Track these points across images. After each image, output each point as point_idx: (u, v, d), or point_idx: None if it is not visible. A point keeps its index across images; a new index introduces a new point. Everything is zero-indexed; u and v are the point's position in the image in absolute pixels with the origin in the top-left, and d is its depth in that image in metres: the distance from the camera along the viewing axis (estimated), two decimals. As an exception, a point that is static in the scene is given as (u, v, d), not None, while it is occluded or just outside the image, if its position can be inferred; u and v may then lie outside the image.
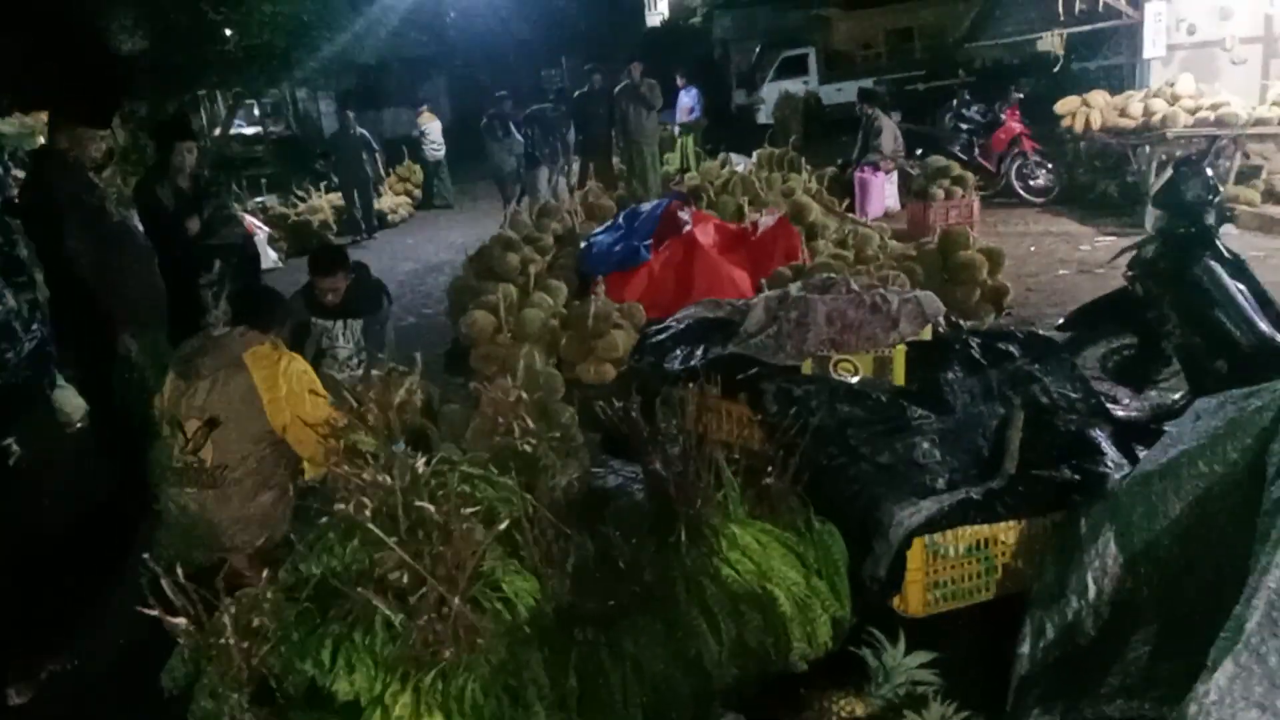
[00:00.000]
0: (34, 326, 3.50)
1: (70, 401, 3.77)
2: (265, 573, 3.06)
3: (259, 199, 14.45)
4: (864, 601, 2.95)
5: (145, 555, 2.21)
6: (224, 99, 20.21)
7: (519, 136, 10.98)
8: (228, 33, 15.68)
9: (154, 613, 1.99)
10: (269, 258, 10.97)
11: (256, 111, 26.49)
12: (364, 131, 13.48)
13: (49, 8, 12.76)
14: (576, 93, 11.91)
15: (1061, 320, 4.43)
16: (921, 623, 2.95)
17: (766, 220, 7.11)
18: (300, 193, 14.02)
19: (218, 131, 19.13)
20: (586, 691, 2.45)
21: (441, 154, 15.63)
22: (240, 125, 23.85)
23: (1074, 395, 3.45)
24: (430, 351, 6.64)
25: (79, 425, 3.76)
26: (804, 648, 2.71)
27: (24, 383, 3.45)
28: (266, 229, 11.71)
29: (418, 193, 16.48)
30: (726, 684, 2.55)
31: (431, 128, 15.59)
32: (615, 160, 11.60)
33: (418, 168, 17.27)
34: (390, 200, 14.73)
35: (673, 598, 2.61)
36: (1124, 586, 2.48)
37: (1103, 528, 2.58)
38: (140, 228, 4.46)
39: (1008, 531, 2.98)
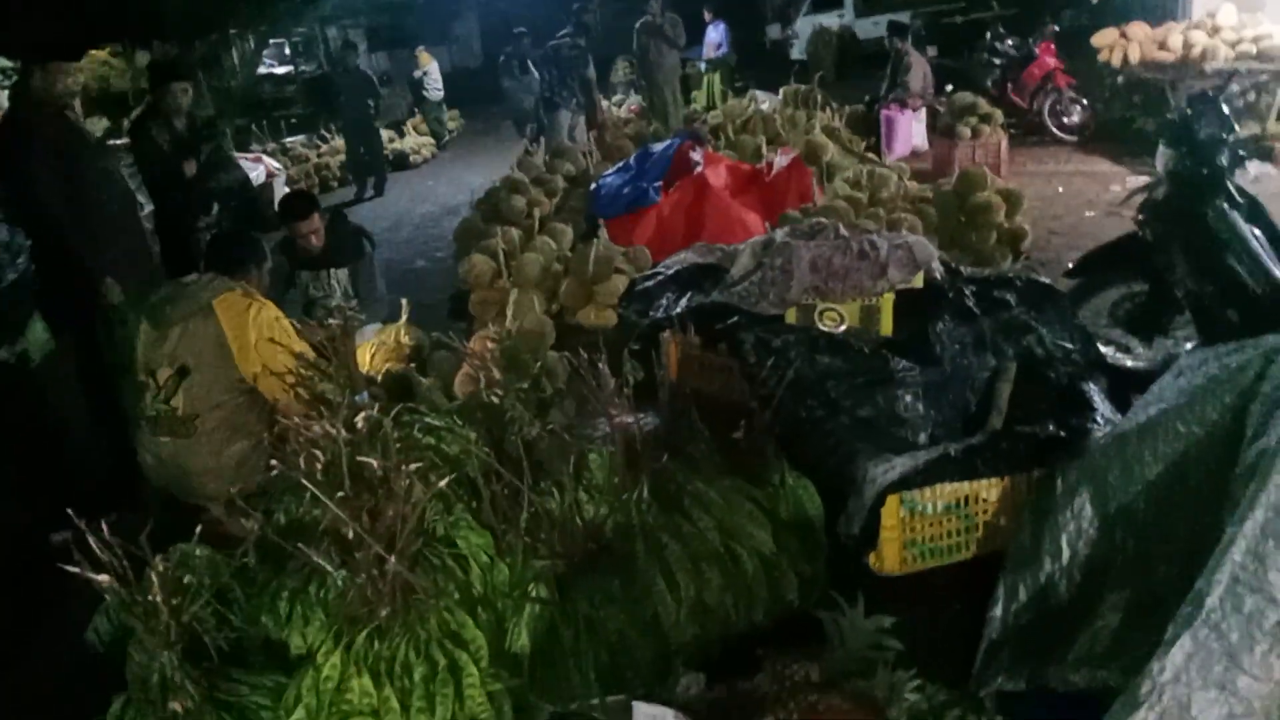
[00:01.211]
0: (18, 261, 3.63)
1: (37, 338, 3.77)
2: (240, 524, 3.08)
3: (287, 139, 14.38)
4: (840, 560, 2.87)
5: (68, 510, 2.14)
6: (254, 39, 20.08)
7: (536, 75, 10.71)
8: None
9: (76, 570, 1.94)
10: (285, 199, 10.95)
11: (288, 51, 26.29)
12: (368, 70, 12.68)
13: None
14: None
15: (1070, 266, 4.23)
16: (897, 581, 2.88)
17: (781, 160, 6.90)
18: (325, 133, 13.93)
19: (247, 71, 19.03)
20: (539, 652, 2.40)
21: (440, 95, 15.67)
22: (272, 65, 23.71)
23: (1071, 346, 3.31)
24: (436, 296, 6.61)
25: (36, 362, 3.77)
26: (768, 607, 2.64)
27: (3, 313, 3.60)
28: (286, 170, 11.67)
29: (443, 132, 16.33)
30: (685, 644, 2.49)
31: (431, 68, 15.65)
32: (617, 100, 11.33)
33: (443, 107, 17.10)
34: (413, 140, 14.60)
35: (631, 555, 2.55)
36: (1098, 550, 2.37)
37: (1079, 488, 2.46)
38: (119, 169, 4.37)
39: (989, 489, 2.86)
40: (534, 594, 2.44)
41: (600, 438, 4.02)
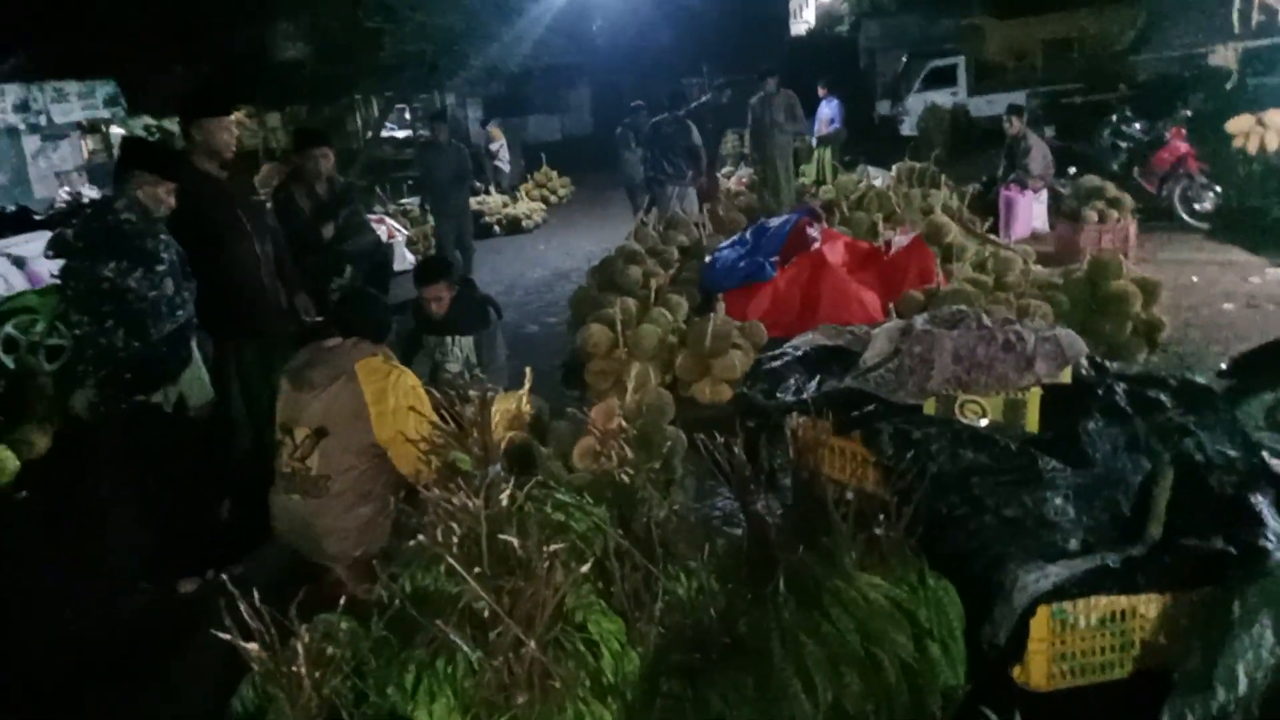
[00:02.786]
0: (178, 312, 3.83)
1: (195, 385, 3.92)
2: (364, 587, 3.08)
3: (403, 201, 14.91)
4: (981, 670, 2.72)
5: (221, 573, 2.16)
6: (377, 104, 21.03)
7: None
8: (383, 40, 16.32)
9: (227, 638, 1.95)
10: (406, 260, 11.28)
11: (408, 115, 27.45)
12: (461, 145, 10.74)
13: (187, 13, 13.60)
14: (692, 105, 11.67)
15: (1224, 364, 4.01)
16: (1045, 698, 2.70)
17: (900, 239, 6.81)
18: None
19: (370, 135, 19.91)
20: (669, 749, 2.31)
21: (508, 169, 16.42)
22: (393, 129, 24.79)
23: (1233, 453, 3.10)
24: (549, 362, 6.66)
25: (195, 409, 3.91)
26: (909, 717, 2.50)
27: (161, 357, 3.80)
28: (406, 231, 12.04)
29: (554, 198, 16.72)
30: (820, 750, 2.37)
31: (501, 143, 16.64)
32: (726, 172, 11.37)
33: (554, 173, 17.55)
34: (525, 205, 14.96)
35: (767, 653, 2.44)
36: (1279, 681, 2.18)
37: (1259, 612, 2.28)
38: (246, 227, 4.55)
39: (1148, 604, 2.68)
40: (666, 688, 2.36)
41: (719, 519, 3.98)
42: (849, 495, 2.93)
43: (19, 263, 8.71)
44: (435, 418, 3.41)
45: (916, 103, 20.51)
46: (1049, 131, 11.16)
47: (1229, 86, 10.73)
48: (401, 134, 26.44)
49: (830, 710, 2.41)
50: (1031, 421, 3.17)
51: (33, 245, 8.85)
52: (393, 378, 3.48)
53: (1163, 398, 3.25)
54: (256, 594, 2.03)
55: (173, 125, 15.65)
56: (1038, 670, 2.69)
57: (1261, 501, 2.90)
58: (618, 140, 11.77)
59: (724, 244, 7.42)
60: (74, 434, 5.68)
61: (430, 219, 12.01)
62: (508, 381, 4.91)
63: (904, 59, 23.86)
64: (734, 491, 2.92)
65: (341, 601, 2.32)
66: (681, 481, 3.68)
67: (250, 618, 2.00)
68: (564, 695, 2.14)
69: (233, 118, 4.45)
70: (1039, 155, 9.57)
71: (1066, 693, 2.71)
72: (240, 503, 4.31)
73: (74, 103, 18.51)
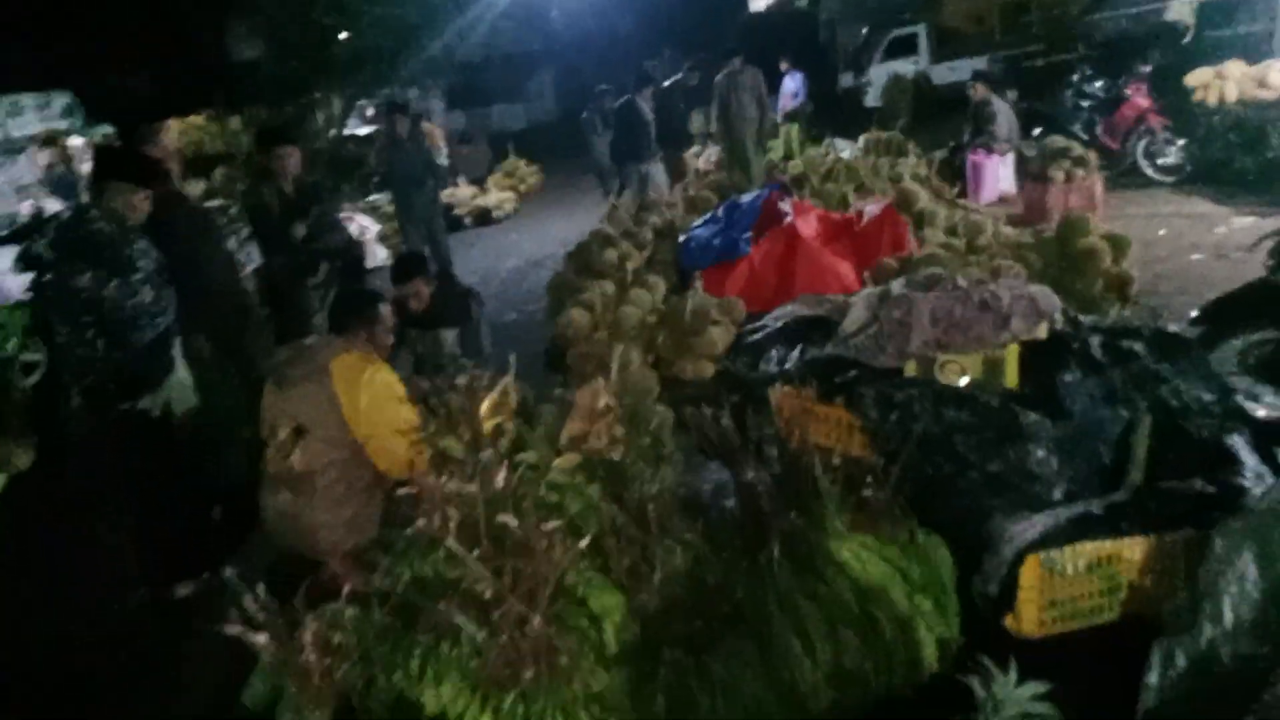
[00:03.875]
0: (158, 319, 3.81)
1: (177, 391, 3.91)
2: (358, 578, 3.10)
3: (371, 197, 14.80)
4: (973, 621, 2.78)
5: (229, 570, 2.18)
6: (338, 101, 20.84)
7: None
8: (340, 36, 16.18)
9: (236, 631, 1.97)
10: (378, 256, 11.23)
11: (370, 112, 27.20)
12: (426, 143, 9.62)
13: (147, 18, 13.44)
14: (663, 85, 11.67)
15: (1195, 313, 4.09)
16: (1036, 644, 2.77)
17: (871, 209, 6.85)
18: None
19: (332, 132, 19.74)
20: (674, 717, 2.36)
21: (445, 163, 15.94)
22: (355, 125, 24.58)
23: (1208, 397, 3.17)
24: (531, 349, 6.66)
25: (180, 415, 3.90)
26: (906, 671, 2.56)
27: (143, 365, 3.79)
28: (377, 226, 11.98)
29: (523, 187, 16.66)
30: (823, 710, 2.42)
31: (441, 147, 16.25)
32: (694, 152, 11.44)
33: (522, 162, 17.48)
34: (495, 196, 14.90)
35: (765, 618, 2.49)
36: (1265, 616, 2.24)
37: (1242, 548, 2.34)
38: (211, 229, 4.57)
39: (1133, 548, 2.75)
40: (669, 657, 2.40)
41: (710, 492, 4.02)
42: (836, 461, 2.97)
43: (-15, 280, 8.60)
44: (410, 413, 3.43)
45: (879, 73, 20.53)
46: (1011, 95, 11.21)
47: (1187, 41, 10.85)
48: (364, 130, 26.21)
49: (831, 670, 2.46)
50: (1010, 378, 3.23)
51: (-2, 261, 8.75)
52: (367, 374, 3.47)
53: (1137, 348, 3.31)
54: (264, 588, 2.05)
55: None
56: (1029, 618, 2.75)
57: (1238, 442, 2.98)
58: (584, 125, 11.77)
59: (697, 223, 7.44)
60: (57, 447, 5.64)
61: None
62: (493, 370, 4.93)
63: (864, 30, 23.88)
64: (724, 463, 2.96)
65: (345, 591, 2.33)
66: (670, 457, 3.71)
67: (256, 610, 2.02)
68: (570, 668, 2.17)
69: (174, 122, 4.45)
70: (1003, 119, 9.64)
71: (1058, 638, 2.77)
72: (230, 503, 4.32)
73: (30, 115, 18.22)
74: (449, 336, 4.81)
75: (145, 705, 3.32)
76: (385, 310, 3.86)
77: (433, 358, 4.73)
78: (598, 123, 11.37)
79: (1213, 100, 8.83)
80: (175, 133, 4.41)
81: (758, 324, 4.19)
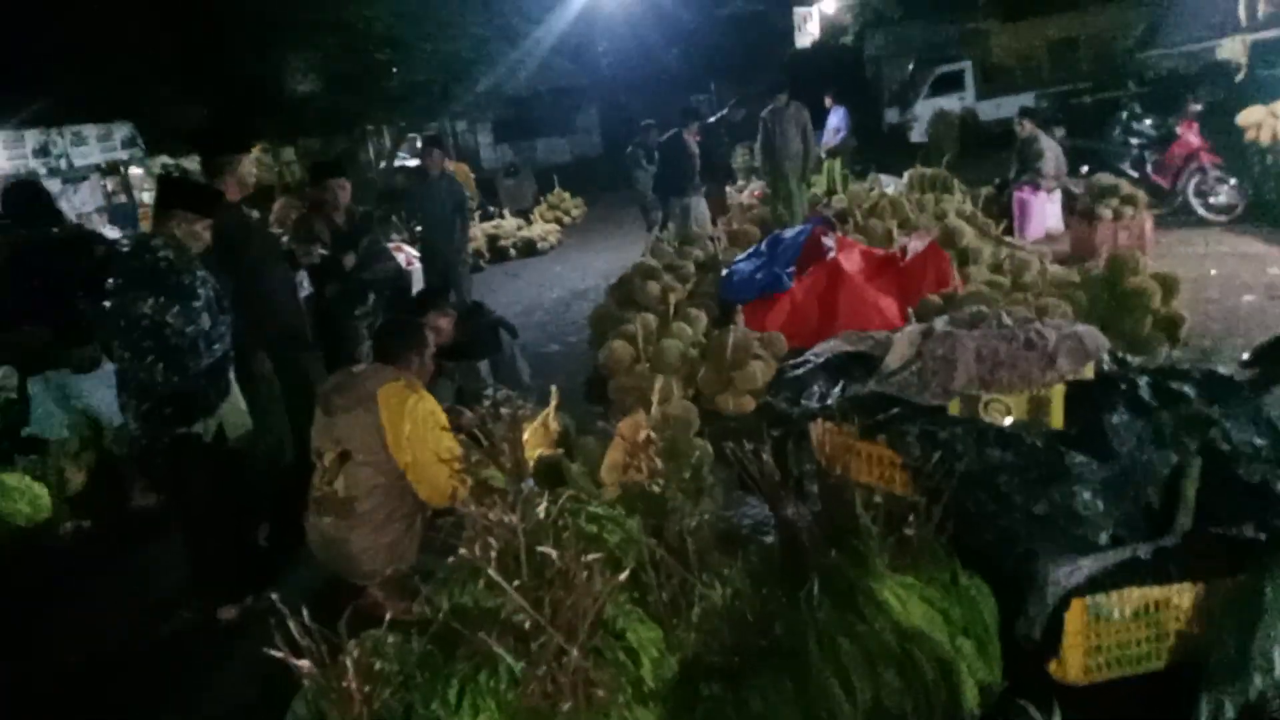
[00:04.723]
0: (215, 346, 3.90)
1: (231, 416, 4.00)
2: (398, 605, 3.13)
3: (419, 228, 15.03)
4: (1016, 665, 2.74)
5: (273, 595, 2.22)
6: (389, 134, 21.28)
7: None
8: (392, 71, 16.54)
9: (279, 655, 2.00)
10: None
11: (419, 144, 27.71)
12: (455, 180, 8.90)
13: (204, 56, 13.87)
14: (708, 121, 11.75)
15: (1246, 355, 4.01)
16: (1080, 691, 2.72)
17: (916, 245, 6.84)
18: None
19: (382, 164, 20.14)
20: (711, 751, 2.34)
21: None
22: (404, 158, 25.06)
23: (1259, 441, 3.10)
24: (572, 380, 6.72)
25: (233, 440, 3.98)
26: (947, 714, 2.52)
27: (200, 391, 3.86)
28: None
29: (568, 219, 16.83)
30: (861, 750, 2.39)
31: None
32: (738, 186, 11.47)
33: (566, 195, 17.68)
34: (540, 228, 15.08)
35: (804, 655, 2.47)
36: (1321, 667, 2.19)
37: (1294, 597, 2.29)
38: (280, 256, 4.71)
39: (1181, 594, 2.70)
40: (706, 692, 2.39)
41: (749, 527, 4.01)
42: (878, 498, 2.96)
43: (47, 304, 8.85)
44: (452, 442, 3.48)
45: (925, 109, 20.57)
46: (1059, 132, 11.16)
47: (1239, 79, 10.72)
48: (413, 162, 26.71)
49: (869, 709, 2.43)
50: (1056, 418, 3.19)
51: (59, 286, 9.01)
52: (410, 402, 3.54)
53: (1186, 389, 3.26)
54: (306, 613, 2.08)
55: (189, 163, 15.87)
56: (1074, 664, 2.70)
57: (1291, 488, 2.91)
58: (628, 159, 11.86)
59: (740, 257, 7.47)
60: (110, 467, 5.77)
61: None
62: (535, 400, 4.98)
63: (910, 66, 23.92)
64: (763, 498, 2.96)
65: (387, 618, 2.36)
66: (710, 490, 3.71)
67: (300, 635, 2.05)
68: (608, 702, 2.18)
69: (252, 154, 4.63)
70: (1051, 156, 9.59)
71: (1103, 685, 2.73)
72: (277, 527, 4.39)
73: (93, 145, 18.81)
74: (482, 367, 4.87)
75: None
76: (429, 340, 3.94)
77: (471, 388, 4.79)
78: (641, 157, 11.46)
79: (1265, 139, 8.71)
80: (249, 165, 4.54)
81: (800, 359, 4.18)
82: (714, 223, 10.39)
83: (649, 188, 11.19)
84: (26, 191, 6.20)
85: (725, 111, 14.69)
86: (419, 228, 9.46)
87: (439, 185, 8.45)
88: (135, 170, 16.84)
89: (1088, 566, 2.64)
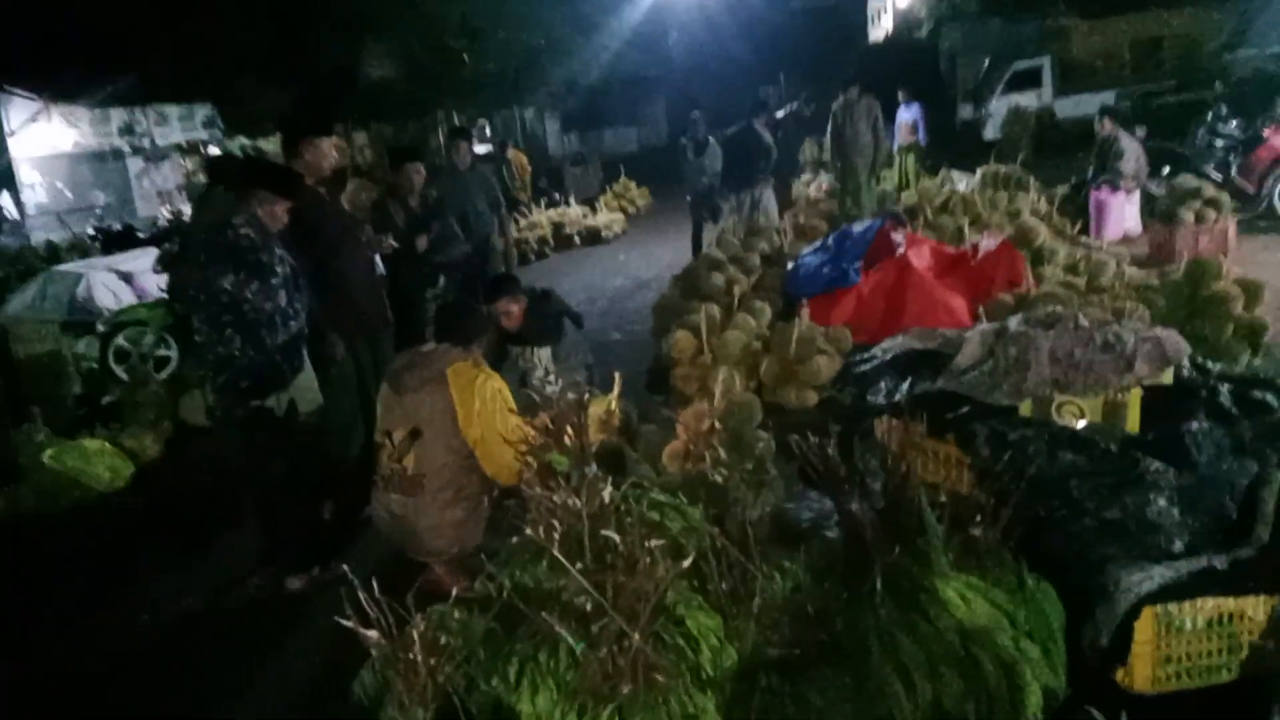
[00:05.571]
0: (290, 323, 4.00)
1: (302, 392, 4.09)
2: (461, 582, 3.18)
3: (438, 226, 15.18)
4: (1082, 672, 2.69)
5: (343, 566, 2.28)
6: (460, 120, 21.54)
7: (714, 158, 10.58)
8: (465, 59, 16.75)
9: (349, 624, 2.06)
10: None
11: (489, 131, 27.99)
12: (487, 176, 8.19)
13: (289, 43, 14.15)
14: (778, 114, 11.34)
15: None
16: (1149, 700, 2.66)
17: (987, 243, 6.71)
18: (523, 208, 14.66)
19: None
20: (767, 743, 2.35)
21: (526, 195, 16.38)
22: (475, 144, 25.30)
23: (1345, 454, 3.00)
24: (633, 368, 6.73)
25: (305, 415, 4.07)
26: (1009, 718, 2.49)
27: (275, 365, 3.96)
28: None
29: (633, 209, 16.87)
30: (920, 749, 2.37)
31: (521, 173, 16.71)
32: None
33: (632, 184, 17.71)
34: (605, 216, 15.13)
35: (864, 651, 2.46)
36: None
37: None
38: (358, 237, 4.80)
39: (1256, 607, 2.62)
40: (765, 683, 2.39)
41: (810, 521, 3.98)
42: (943, 497, 2.92)
43: (127, 278, 9.17)
44: (518, 420, 3.53)
45: (1000, 106, 20.12)
46: (1140, 132, 10.85)
47: (1328, 81, 10.33)
48: (482, 149, 27.02)
49: (929, 709, 2.41)
50: (1132, 423, 3.12)
51: (139, 261, 9.32)
52: (479, 381, 3.61)
53: (1269, 399, 3.17)
54: (375, 585, 2.13)
55: (267, 144, 16.22)
56: (1142, 673, 2.64)
57: (1377, 504, 2.81)
58: (679, 152, 11.42)
59: (807, 250, 7.41)
60: (185, 439, 5.95)
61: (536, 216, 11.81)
62: (595, 388, 5.01)
63: (986, 62, 23.42)
64: (827, 492, 2.94)
65: (454, 593, 2.40)
66: (772, 483, 3.70)
67: (369, 607, 2.10)
68: (667, 687, 2.19)
69: (332, 137, 4.71)
70: (1132, 156, 9.33)
71: (1171, 696, 2.66)
72: (344, 502, 4.49)
73: (174, 125, 19.40)
74: (544, 354, 4.93)
75: (256, 693, 3.47)
76: (488, 323, 4.01)
77: (532, 374, 4.85)
78: (689, 149, 10.99)
79: (1358, 143, 8.38)
80: (328, 148, 4.60)
81: (866, 354, 4.14)
82: (780, 216, 10.28)
83: (696, 180, 10.78)
84: None
85: (795, 105, 14.49)
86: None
87: (466, 179, 7.50)
88: (214, 150, 17.30)
89: (1160, 575, 2.58)
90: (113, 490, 5.62)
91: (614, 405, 4.63)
